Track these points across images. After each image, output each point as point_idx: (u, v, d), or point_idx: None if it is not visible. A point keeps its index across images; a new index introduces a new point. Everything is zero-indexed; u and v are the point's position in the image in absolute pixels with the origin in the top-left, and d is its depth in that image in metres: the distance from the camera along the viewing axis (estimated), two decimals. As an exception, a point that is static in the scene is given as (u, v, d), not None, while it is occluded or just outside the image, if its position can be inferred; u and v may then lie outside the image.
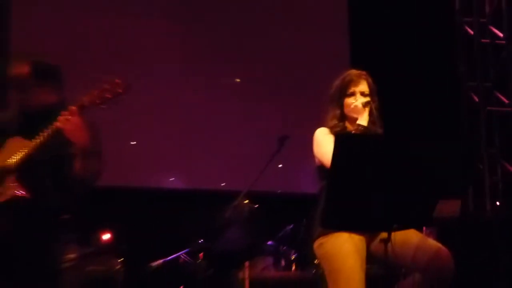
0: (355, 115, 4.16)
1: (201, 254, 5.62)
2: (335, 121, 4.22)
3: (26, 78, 4.15)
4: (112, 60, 6.99)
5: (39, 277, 4.06)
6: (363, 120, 4.12)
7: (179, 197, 7.09)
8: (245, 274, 5.50)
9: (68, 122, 3.88)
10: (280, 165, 6.19)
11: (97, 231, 5.59)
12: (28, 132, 4.06)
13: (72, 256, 4.97)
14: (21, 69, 4.16)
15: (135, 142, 6.90)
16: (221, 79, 7.37)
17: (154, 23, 7.37)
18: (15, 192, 3.97)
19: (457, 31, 8.04)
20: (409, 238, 3.95)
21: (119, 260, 5.47)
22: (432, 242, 4.01)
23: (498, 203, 7.64)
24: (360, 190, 3.34)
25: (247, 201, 5.60)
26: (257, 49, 7.56)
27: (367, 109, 4.14)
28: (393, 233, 3.58)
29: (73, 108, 3.89)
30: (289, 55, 7.62)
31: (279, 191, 7.20)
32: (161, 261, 5.86)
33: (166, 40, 7.37)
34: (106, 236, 5.61)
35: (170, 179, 7.15)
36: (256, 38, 7.57)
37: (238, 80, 7.43)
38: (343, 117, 4.23)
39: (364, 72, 4.29)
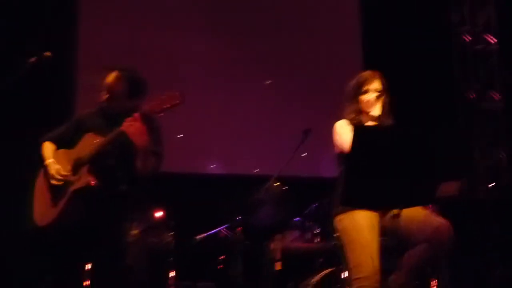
0: (369, 109, 4.12)
1: (239, 229, 5.60)
2: (352, 115, 4.17)
3: (120, 90, 4.14)
4: (161, 64, 7.00)
5: (111, 250, 4.08)
6: (376, 111, 4.09)
7: (220, 180, 7.09)
8: (276, 245, 5.49)
9: (131, 126, 3.89)
10: (305, 154, 6.12)
11: (152, 209, 5.58)
12: (102, 130, 4.06)
13: (135, 232, 5.00)
14: (118, 81, 4.15)
15: (182, 135, 6.88)
16: (256, 81, 7.35)
17: (204, 37, 7.35)
18: (88, 181, 3.98)
19: (454, 39, 7.99)
20: (416, 214, 3.91)
21: (170, 234, 5.47)
22: (436, 217, 3.97)
23: (489, 185, 7.60)
24: (374, 173, 3.31)
25: (277, 183, 5.57)
26: (286, 57, 7.54)
27: (379, 101, 4.10)
28: (402, 210, 3.55)
29: (136, 115, 3.89)
30: (313, 61, 7.59)
31: (304, 175, 7.16)
32: (205, 234, 5.85)
33: (210, 50, 7.34)
34: (159, 214, 5.59)
35: (212, 166, 7.14)
36: (285, 48, 7.54)
37: (268, 82, 7.40)
38: (359, 111, 4.18)
39: (377, 72, 4.23)
